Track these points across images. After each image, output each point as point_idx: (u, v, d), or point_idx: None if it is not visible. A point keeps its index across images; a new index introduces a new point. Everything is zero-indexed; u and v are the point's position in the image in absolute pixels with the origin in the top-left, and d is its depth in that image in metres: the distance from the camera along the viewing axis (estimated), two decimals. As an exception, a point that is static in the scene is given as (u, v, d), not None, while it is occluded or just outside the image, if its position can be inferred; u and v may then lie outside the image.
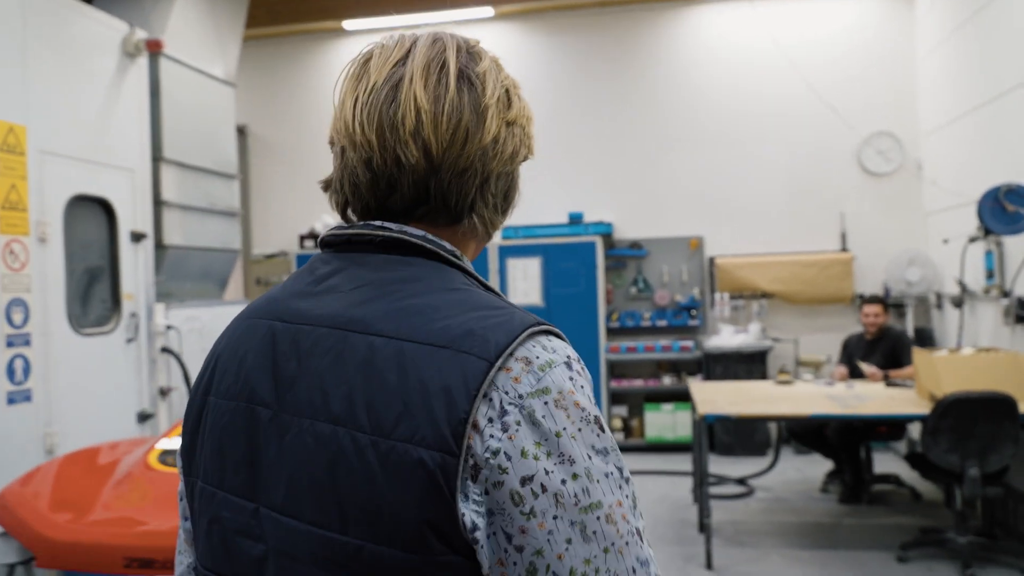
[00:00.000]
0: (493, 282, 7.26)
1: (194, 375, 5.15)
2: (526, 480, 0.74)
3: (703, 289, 7.80)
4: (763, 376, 7.16)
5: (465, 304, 0.84)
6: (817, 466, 6.36)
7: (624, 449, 7.01)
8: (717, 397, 4.95)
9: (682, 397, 7.39)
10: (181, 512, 0.96)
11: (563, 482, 0.75)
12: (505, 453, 0.75)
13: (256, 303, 0.95)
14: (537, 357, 0.81)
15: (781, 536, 4.90)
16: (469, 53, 0.91)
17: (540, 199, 8.13)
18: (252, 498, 0.83)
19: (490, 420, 0.76)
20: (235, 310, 5.90)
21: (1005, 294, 5.55)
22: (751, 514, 5.40)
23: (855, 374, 5.70)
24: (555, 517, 0.74)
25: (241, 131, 8.63)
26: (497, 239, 7.85)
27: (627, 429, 7.59)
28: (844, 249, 7.56)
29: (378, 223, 0.90)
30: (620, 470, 0.79)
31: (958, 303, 6.28)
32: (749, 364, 7.17)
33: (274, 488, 0.81)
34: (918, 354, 4.60)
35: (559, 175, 8.10)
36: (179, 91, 5.83)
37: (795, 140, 7.67)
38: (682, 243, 7.83)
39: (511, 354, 0.79)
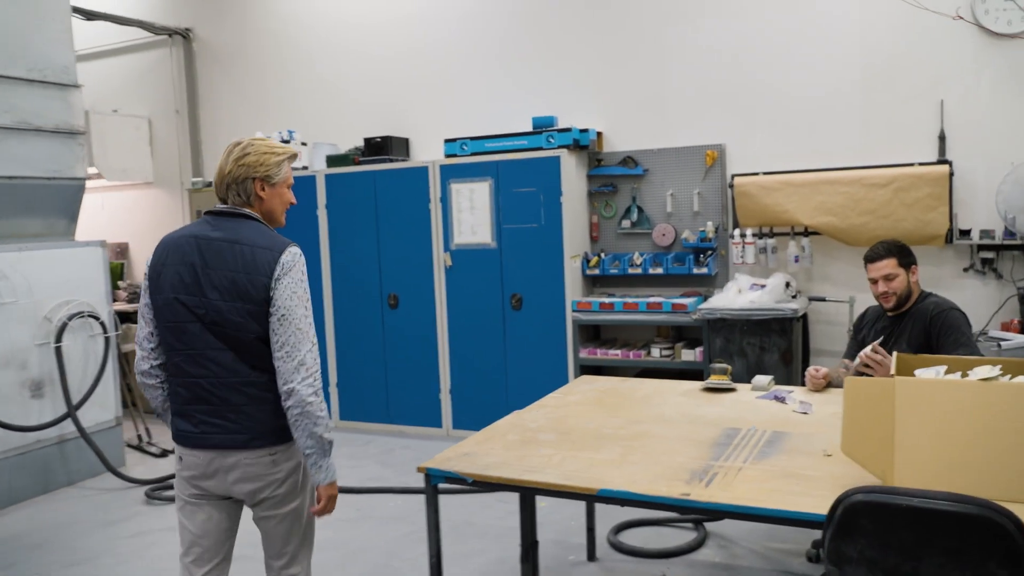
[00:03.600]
0: (435, 212, 5.77)
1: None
2: (286, 285, 2.21)
3: (723, 222, 5.42)
4: (787, 356, 4.78)
5: (266, 234, 2.27)
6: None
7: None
8: (526, 424, 2.89)
9: (682, 377, 5.19)
10: (140, 324, 2.33)
11: (294, 290, 2.21)
12: (281, 279, 2.20)
13: (179, 233, 2.32)
14: (291, 251, 2.25)
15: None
16: (240, 149, 2.32)
17: (500, 103, 6.05)
18: (199, 295, 2.21)
19: (281, 268, 2.21)
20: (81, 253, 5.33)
21: None
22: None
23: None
24: (290, 298, 2.20)
25: (184, 35, 7.27)
26: (439, 157, 5.94)
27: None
28: (942, 160, 4.83)
29: (228, 207, 2.32)
30: (307, 297, 2.27)
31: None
32: (763, 336, 4.81)
33: (209, 292, 2.20)
34: (859, 383, 2.23)
35: (525, 71, 5.96)
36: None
37: (869, -9, 4.97)
38: (694, 156, 5.46)
39: (282, 251, 2.23)
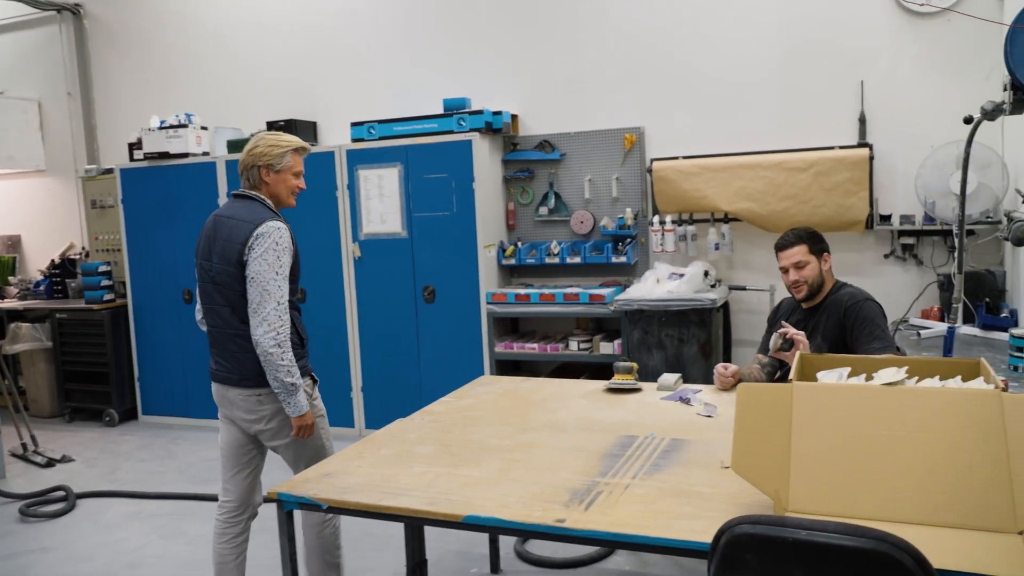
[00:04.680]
0: (343, 201, 5.42)
1: None
2: (258, 253, 2.63)
3: (643, 208, 5.19)
4: (706, 348, 4.58)
5: (255, 211, 2.68)
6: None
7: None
8: (408, 437, 2.61)
9: (600, 370, 4.98)
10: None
11: (265, 256, 2.62)
12: (253, 247, 2.63)
13: (215, 212, 2.81)
14: (267, 225, 2.64)
15: None
16: (252, 141, 2.81)
17: (411, 85, 5.73)
18: (209, 260, 2.74)
19: (254, 239, 2.63)
20: None
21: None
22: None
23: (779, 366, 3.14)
24: (259, 263, 2.62)
25: (74, 12, 6.75)
26: (346, 141, 5.60)
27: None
28: (862, 143, 4.68)
29: (240, 190, 2.79)
30: (279, 264, 2.66)
31: (1017, 238, 3.43)
32: (682, 327, 4.60)
33: (213, 258, 2.72)
34: (753, 389, 2.00)
35: (437, 51, 5.65)
36: None
37: (788, -33, 4.78)
38: (613, 140, 5.22)
39: (259, 224, 2.64)
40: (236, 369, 2.74)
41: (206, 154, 5.94)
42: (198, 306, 2.90)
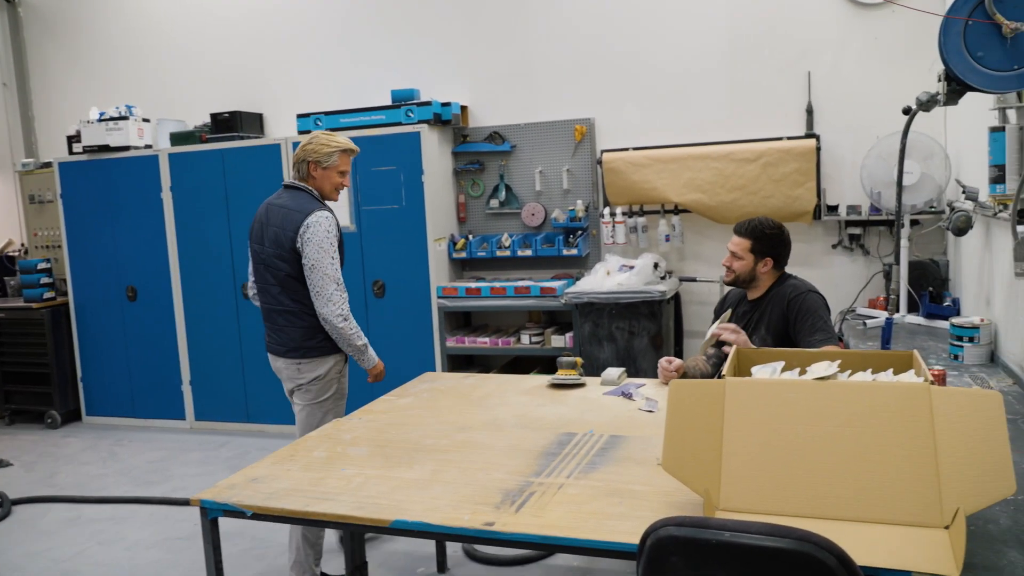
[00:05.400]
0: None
1: None
2: (312, 242, 2.99)
3: (594, 200, 5.16)
4: (657, 339, 4.57)
5: (304, 202, 3.05)
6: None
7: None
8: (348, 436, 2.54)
9: (553, 366, 4.93)
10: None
11: (319, 244, 2.99)
12: (305, 235, 2.99)
13: (267, 200, 3.15)
14: (316, 215, 3.00)
15: None
16: (307, 138, 3.16)
17: (359, 76, 5.63)
18: (261, 243, 3.10)
19: (305, 227, 2.99)
20: None
21: (1022, 215, 2.73)
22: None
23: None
24: (316, 252, 2.98)
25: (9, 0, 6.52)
26: (292, 134, 5.48)
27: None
28: (810, 134, 4.69)
29: (291, 181, 3.16)
30: (332, 250, 3.06)
31: (958, 228, 3.45)
32: (632, 320, 4.58)
33: (265, 242, 3.07)
34: (684, 386, 1.96)
35: (385, 41, 5.55)
36: None
37: (735, -43, 4.76)
38: (563, 131, 5.17)
39: (309, 214, 3.00)
40: (283, 342, 3.12)
41: (148, 147, 5.78)
42: (251, 282, 3.26)
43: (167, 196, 5.64)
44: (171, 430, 5.76)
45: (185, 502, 4.26)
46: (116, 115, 5.74)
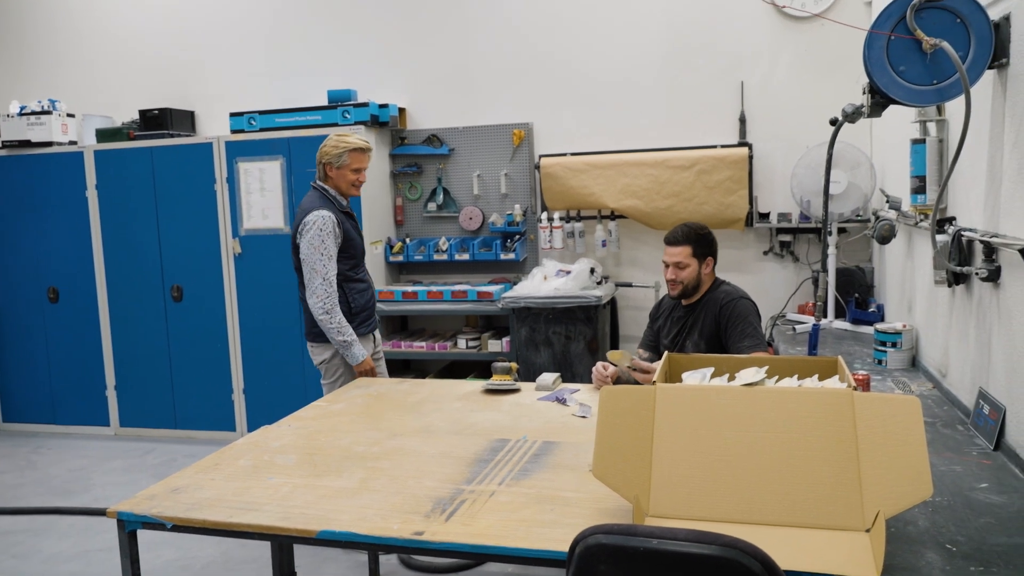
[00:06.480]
0: (222, 194, 5.17)
1: None
2: (306, 238, 3.30)
3: (532, 205, 5.17)
4: (593, 344, 4.59)
5: (313, 201, 3.37)
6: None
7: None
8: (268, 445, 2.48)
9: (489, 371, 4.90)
10: None
11: (312, 241, 3.28)
12: (303, 233, 3.31)
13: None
14: (313, 214, 3.29)
15: None
16: (326, 140, 3.46)
17: (294, 75, 5.54)
18: (293, 238, 3.44)
19: (303, 225, 3.31)
20: None
21: (941, 225, 2.81)
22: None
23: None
24: (308, 247, 3.29)
25: (-77, -15, 6.20)
26: (225, 133, 5.36)
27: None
28: (742, 142, 4.78)
29: (314, 181, 3.50)
30: (324, 247, 3.31)
31: (882, 236, 3.55)
32: (569, 324, 4.60)
33: (294, 237, 3.44)
34: (616, 392, 1.96)
35: (322, 41, 5.47)
36: None
37: (672, -33, 4.82)
38: (501, 135, 5.16)
39: (309, 212, 3.31)
40: (304, 325, 3.51)
41: (73, 143, 5.57)
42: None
43: (92, 195, 5.44)
44: (94, 437, 5.56)
45: (103, 512, 4.10)
46: (38, 109, 5.52)
